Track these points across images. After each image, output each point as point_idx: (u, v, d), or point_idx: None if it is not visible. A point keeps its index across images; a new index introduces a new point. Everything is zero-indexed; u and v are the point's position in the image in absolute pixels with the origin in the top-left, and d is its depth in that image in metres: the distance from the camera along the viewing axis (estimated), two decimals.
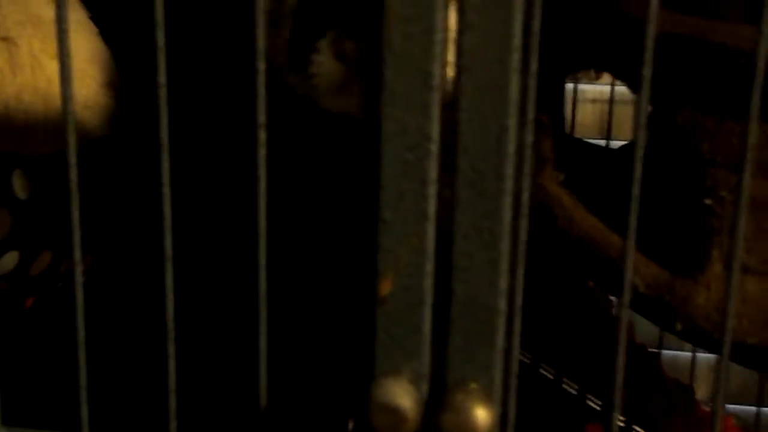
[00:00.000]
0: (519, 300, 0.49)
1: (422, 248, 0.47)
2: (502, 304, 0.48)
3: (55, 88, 0.77)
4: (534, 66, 0.46)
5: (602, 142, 1.22)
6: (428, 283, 0.48)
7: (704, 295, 0.75)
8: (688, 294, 0.76)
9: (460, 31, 0.44)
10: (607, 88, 1.27)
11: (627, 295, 0.50)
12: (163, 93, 0.49)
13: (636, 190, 0.48)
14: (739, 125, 0.74)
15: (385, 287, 0.48)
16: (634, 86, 0.78)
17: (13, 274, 0.64)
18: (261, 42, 0.47)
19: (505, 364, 0.49)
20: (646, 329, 1.16)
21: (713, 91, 0.73)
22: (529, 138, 0.46)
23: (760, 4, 0.50)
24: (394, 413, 0.47)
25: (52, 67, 0.78)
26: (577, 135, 1.20)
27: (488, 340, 0.48)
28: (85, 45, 0.79)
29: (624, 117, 1.28)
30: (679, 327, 0.77)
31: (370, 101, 0.46)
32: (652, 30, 0.45)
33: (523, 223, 0.48)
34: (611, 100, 1.26)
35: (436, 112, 0.45)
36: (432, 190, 0.46)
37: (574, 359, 0.94)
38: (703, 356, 1.35)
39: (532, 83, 0.46)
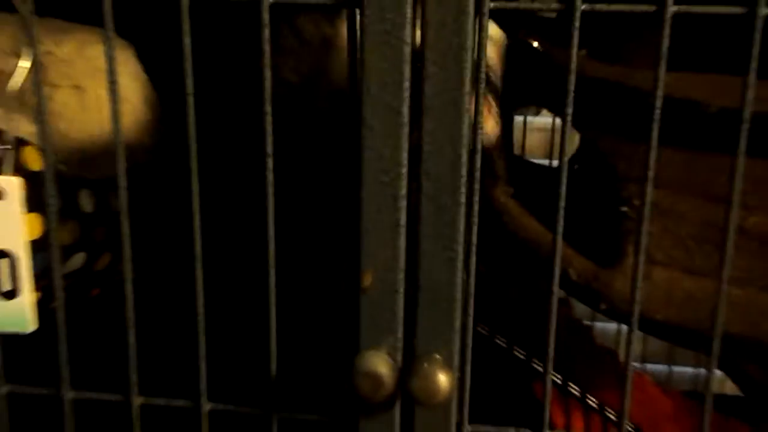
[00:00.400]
0: (472, 289, 0.48)
1: (395, 250, 0.47)
2: (458, 293, 0.47)
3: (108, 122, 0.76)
4: (482, 107, 0.45)
5: (547, 162, 1.21)
6: (400, 276, 0.47)
7: (621, 282, 0.74)
8: (609, 281, 0.75)
9: (423, 80, 0.44)
10: (550, 119, 1.26)
11: (556, 282, 0.48)
12: (192, 131, 0.49)
13: (562, 202, 0.47)
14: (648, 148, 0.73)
15: (367, 280, 0.47)
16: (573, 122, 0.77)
17: (81, 271, 0.63)
18: (268, 85, 0.46)
19: (462, 339, 0.49)
20: (582, 307, 1.15)
21: (628, 123, 0.72)
22: (479, 162, 0.46)
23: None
24: (375, 379, 0.46)
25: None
26: (528, 157, 1.19)
27: (448, 321, 0.48)
28: (138, 90, 0.78)
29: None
30: (603, 307, 0.76)
31: (353, 137, 0.45)
32: (572, 79, 0.45)
33: (474, 229, 0.47)
34: (553, 129, 1.25)
35: (404, 143, 0.45)
36: (402, 204, 0.46)
37: (523, 332, 0.93)
38: (625, 327, 1.34)
39: (482, 121, 0.45)
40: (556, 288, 0.50)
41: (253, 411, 0.52)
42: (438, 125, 0.44)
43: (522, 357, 0.96)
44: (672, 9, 0.44)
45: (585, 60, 0.78)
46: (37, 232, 0.56)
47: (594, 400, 0.95)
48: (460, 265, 0.47)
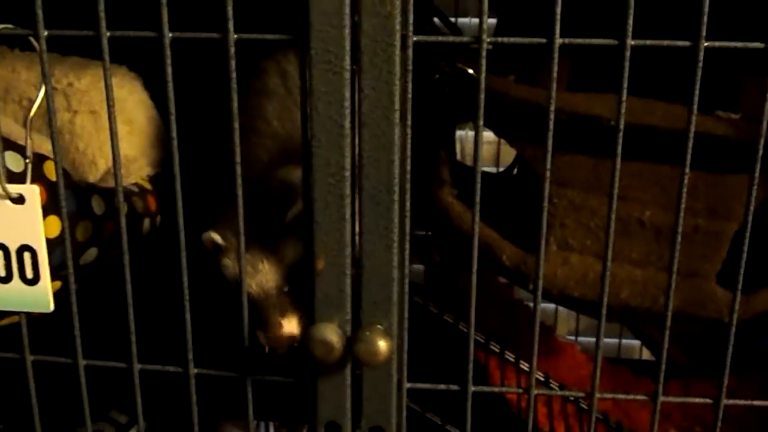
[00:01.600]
0: (406, 270, 0.49)
1: (342, 239, 0.48)
2: (395, 273, 0.48)
3: (124, 143, 0.77)
4: (408, 120, 0.46)
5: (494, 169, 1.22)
6: (347, 261, 0.48)
7: (546, 266, 0.76)
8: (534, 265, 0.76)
9: (360, 100, 0.45)
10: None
11: (474, 266, 0.49)
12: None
13: (477, 198, 0.48)
14: (564, 156, 0.74)
15: (320, 265, 0.48)
16: (498, 133, 0.78)
17: (95, 263, 0.64)
18: (234, 105, 0.47)
19: (399, 311, 0.50)
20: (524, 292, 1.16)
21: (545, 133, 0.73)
22: (408, 166, 0.47)
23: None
24: (327, 345, 0.47)
25: (124, 130, 0.77)
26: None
27: (387, 297, 0.48)
28: (143, 112, 0.78)
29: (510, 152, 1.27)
30: (531, 287, 0.77)
31: (305, 146, 0.46)
32: (481, 101, 0.46)
33: (406, 221, 0.48)
34: (499, 142, 1.26)
35: (347, 151, 0.46)
36: (347, 201, 0.47)
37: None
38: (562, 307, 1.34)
39: (408, 132, 0.46)
40: (474, 267, 0.51)
41: (231, 374, 0.53)
42: (373, 136, 0.45)
43: (465, 330, 0.97)
44: (558, 41, 0.45)
45: (511, 84, 0.80)
46: (55, 231, 0.57)
47: (525, 364, 0.97)
48: (395, 250, 0.48)
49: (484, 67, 0.45)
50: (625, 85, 0.44)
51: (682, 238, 0.75)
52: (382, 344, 0.47)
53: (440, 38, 0.49)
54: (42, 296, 0.53)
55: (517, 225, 0.79)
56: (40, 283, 0.52)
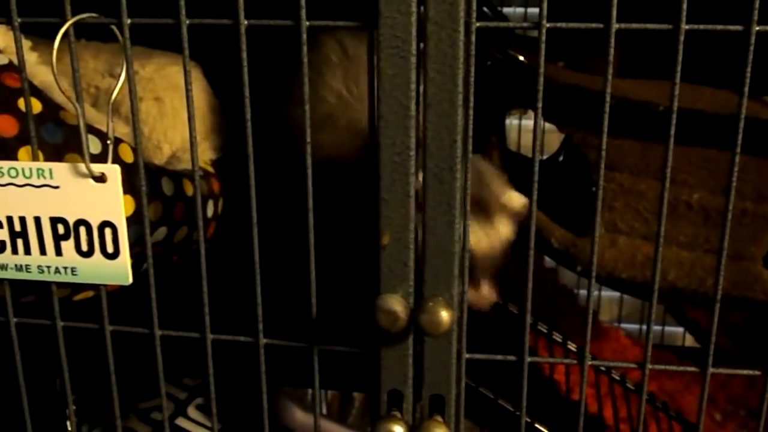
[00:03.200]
0: (467, 244, 0.52)
1: (407, 215, 0.50)
2: (456, 248, 0.51)
3: (187, 128, 0.79)
4: (471, 102, 0.48)
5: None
6: (411, 236, 0.51)
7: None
8: (583, 248, 0.78)
9: (425, 83, 0.48)
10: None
11: (532, 245, 0.52)
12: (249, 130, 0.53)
13: (535, 183, 0.50)
14: (614, 140, 0.76)
15: (385, 239, 0.51)
16: (547, 118, 0.80)
17: (164, 242, 0.67)
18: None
19: (460, 285, 0.52)
20: (569, 277, 1.18)
21: (595, 120, 0.75)
22: (470, 147, 0.49)
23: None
24: (392, 315, 0.50)
25: (185, 114, 0.80)
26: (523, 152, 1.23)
27: (448, 270, 0.51)
28: (205, 100, 0.82)
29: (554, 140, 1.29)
30: (579, 269, 0.79)
31: (371, 127, 0.49)
32: (540, 85, 0.48)
33: (467, 198, 0.50)
34: (543, 130, 1.27)
35: (412, 131, 0.49)
36: (411, 179, 0.50)
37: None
38: (605, 294, 1.36)
39: (471, 113, 0.49)
40: (532, 250, 0.53)
41: (299, 344, 0.56)
42: (437, 117, 0.48)
43: (514, 312, 0.99)
44: (615, 26, 0.47)
45: (561, 70, 0.82)
46: (130, 209, 0.61)
47: (573, 345, 0.99)
48: (457, 226, 0.50)
49: (543, 52, 0.47)
50: (679, 69, 0.46)
51: (731, 221, 0.77)
52: (445, 315, 0.49)
53: (503, 24, 0.51)
54: (122, 270, 0.56)
55: (565, 209, 0.81)
56: (119, 258, 0.56)
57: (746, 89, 0.49)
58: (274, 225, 0.67)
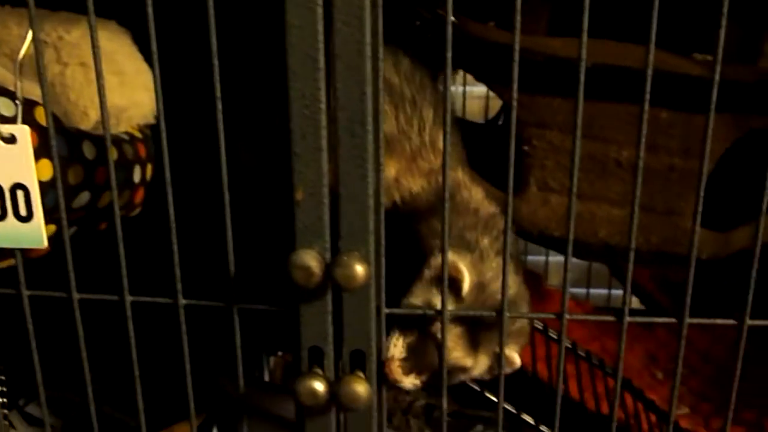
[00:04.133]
0: (381, 199, 0.51)
1: (319, 169, 0.50)
2: (371, 202, 0.51)
3: (114, 94, 0.78)
4: (380, 54, 0.48)
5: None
6: (325, 191, 0.51)
7: (526, 207, 0.78)
8: (517, 207, 0.79)
9: (333, 34, 0.47)
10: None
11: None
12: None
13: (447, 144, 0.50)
14: (544, 99, 0.76)
15: (299, 195, 0.51)
16: (478, 77, 0.80)
17: (88, 207, 0.66)
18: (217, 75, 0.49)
19: (376, 238, 0.52)
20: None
21: (526, 78, 0.75)
22: (381, 99, 0.49)
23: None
24: (306, 270, 0.50)
25: (113, 81, 0.79)
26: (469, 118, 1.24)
27: (364, 225, 0.51)
28: (133, 65, 0.80)
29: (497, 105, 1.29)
30: (513, 228, 0.79)
31: (280, 80, 0.48)
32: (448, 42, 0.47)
33: (381, 152, 0.50)
34: (488, 97, 1.28)
35: (322, 83, 0.48)
36: (323, 132, 0.49)
37: None
38: (553, 259, 1.37)
39: (381, 65, 0.48)
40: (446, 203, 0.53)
41: (218, 304, 0.56)
42: (346, 69, 0.48)
43: None
44: None
45: (492, 29, 0.82)
46: (48, 174, 0.60)
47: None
48: (370, 180, 0.50)
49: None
50: (585, 25, 0.46)
51: (658, 177, 0.78)
52: (359, 269, 0.49)
53: None
54: (36, 233, 0.55)
55: (500, 170, 0.81)
56: (33, 221, 0.55)
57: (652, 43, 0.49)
58: (198, 189, 0.66)
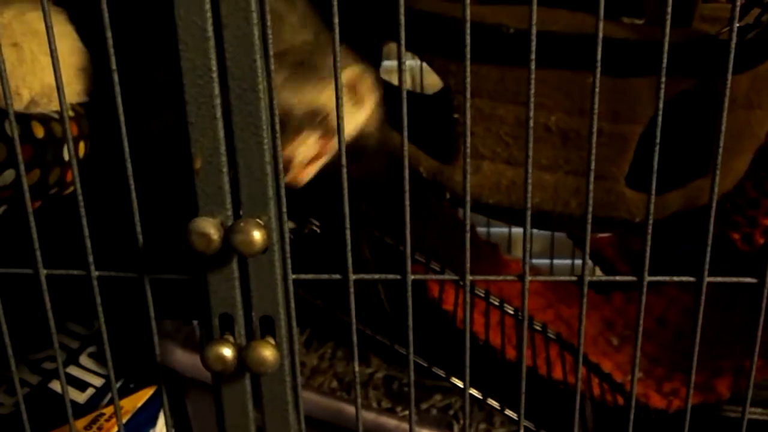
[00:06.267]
0: (280, 164, 0.52)
1: (216, 138, 0.51)
2: (267, 168, 0.52)
3: (46, 73, 0.79)
4: (268, 21, 0.49)
5: None
6: (223, 159, 0.52)
7: (459, 176, 0.79)
8: (450, 175, 0.79)
9: (219, 3, 0.48)
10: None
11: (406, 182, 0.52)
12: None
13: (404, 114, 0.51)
14: (472, 66, 0.77)
15: (197, 163, 0.52)
16: (408, 47, 0.80)
17: (14, 185, 0.67)
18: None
19: (277, 204, 0.53)
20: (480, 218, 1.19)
21: (452, 47, 0.76)
22: (271, 66, 0.50)
23: None
24: (205, 237, 0.51)
25: (45, 60, 0.80)
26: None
27: (262, 192, 0.52)
28: (67, 45, 0.81)
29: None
30: (447, 196, 0.81)
31: (173, 54, 0.49)
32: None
33: (276, 118, 0.51)
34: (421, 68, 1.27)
35: (212, 53, 0.49)
36: (217, 101, 0.50)
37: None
38: (515, 231, 1.38)
39: (268, 32, 0.49)
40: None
41: (129, 275, 0.57)
42: (234, 37, 0.49)
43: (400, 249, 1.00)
44: None
45: None
46: None
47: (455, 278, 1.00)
48: (266, 147, 0.51)
49: None
50: None
51: (587, 141, 0.78)
52: (257, 234, 0.50)
53: None
54: None
55: (434, 139, 0.82)
56: None
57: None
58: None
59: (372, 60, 0.87)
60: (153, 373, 0.87)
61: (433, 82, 1.35)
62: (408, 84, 1.39)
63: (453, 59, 0.77)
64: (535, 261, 1.37)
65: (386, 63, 1.04)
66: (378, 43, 0.89)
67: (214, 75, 0.50)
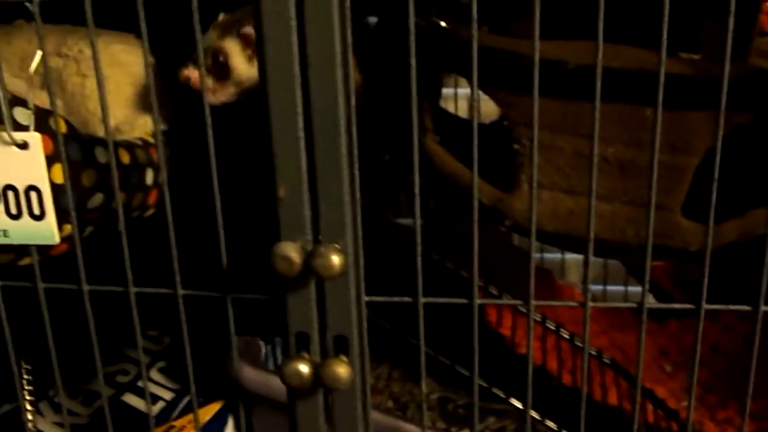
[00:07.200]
0: (357, 193, 0.56)
1: (299, 168, 0.55)
2: (346, 197, 0.55)
3: (130, 102, 0.84)
4: (349, 62, 0.53)
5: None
6: (305, 189, 0.56)
7: (519, 203, 0.82)
8: (510, 203, 0.82)
9: (306, 44, 0.52)
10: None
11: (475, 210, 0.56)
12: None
13: (474, 148, 0.55)
14: (532, 99, 0.80)
15: (281, 192, 0.56)
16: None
17: (102, 208, 0.72)
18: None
19: (353, 231, 0.57)
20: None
21: (515, 80, 0.79)
22: (352, 102, 0.54)
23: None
24: (287, 260, 0.55)
25: (129, 90, 0.85)
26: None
27: (340, 219, 0.56)
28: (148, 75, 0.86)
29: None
30: (508, 223, 0.84)
31: (262, 88, 0.53)
32: (475, 49, 0.52)
33: (354, 150, 0.55)
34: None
35: (297, 91, 0.53)
36: (301, 134, 0.54)
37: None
38: (569, 257, 1.40)
39: (350, 72, 0.53)
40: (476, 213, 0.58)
41: (213, 294, 0.61)
42: (319, 77, 0.53)
43: (466, 276, 1.04)
44: None
45: (485, 35, 0.86)
46: (61, 177, 0.66)
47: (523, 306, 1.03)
48: (345, 177, 0.55)
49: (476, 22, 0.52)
50: (601, 29, 0.51)
51: (645, 172, 0.81)
52: (336, 259, 0.54)
53: None
54: (48, 230, 0.61)
55: (496, 167, 0.85)
56: (45, 219, 0.61)
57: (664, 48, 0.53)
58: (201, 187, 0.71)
59: (432, 90, 0.91)
60: (221, 388, 0.91)
61: (489, 110, 1.40)
62: (464, 111, 1.44)
63: (515, 92, 0.80)
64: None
65: (444, 90, 1.08)
66: (438, 74, 0.93)
67: (299, 110, 0.54)
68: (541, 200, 0.82)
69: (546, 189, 0.81)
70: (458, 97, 1.34)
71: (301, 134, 0.54)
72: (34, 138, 0.59)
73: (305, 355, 0.59)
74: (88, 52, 0.85)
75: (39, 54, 0.59)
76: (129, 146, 0.77)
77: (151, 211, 0.81)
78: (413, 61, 0.56)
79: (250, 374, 0.90)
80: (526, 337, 1.02)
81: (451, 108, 1.35)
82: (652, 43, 0.63)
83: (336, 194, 0.55)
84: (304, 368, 0.58)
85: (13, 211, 0.61)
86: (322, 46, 0.52)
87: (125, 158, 0.75)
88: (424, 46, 0.85)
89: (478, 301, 0.59)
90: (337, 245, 0.56)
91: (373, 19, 0.90)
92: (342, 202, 0.55)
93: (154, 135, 0.83)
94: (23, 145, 0.59)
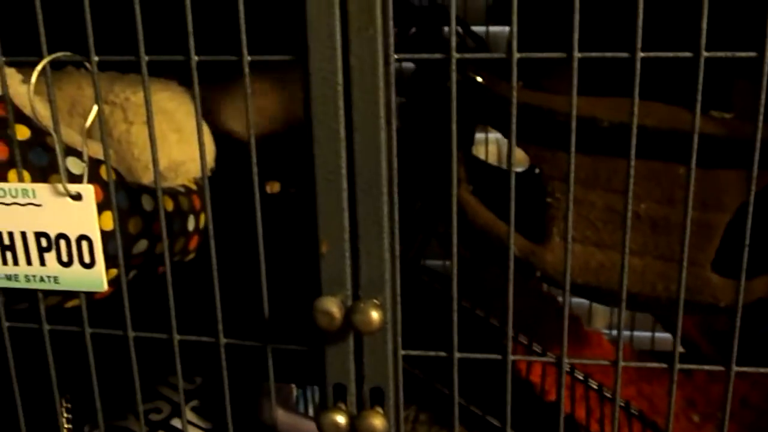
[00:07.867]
0: (397, 251, 0.58)
1: (341, 226, 0.57)
2: (385, 255, 0.57)
3: (174, 150, 0.87)
4: (392, 125, 0.55)
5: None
6: (347, 246, 0.58)
7: (550, 255, 0.83)
8: (541, 255, 0.84)
9: (352, 109, 0.54)
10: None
11: (511, 261, 0.58)
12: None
13: (512, 200, 0.57)
14: (566, 155, 0.82)
15: (324, 248, 0.58)
16: (506, 134, 0.86)
17: (146, 253, 0.74)
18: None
19: (392, 288, 0.59)
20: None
21: (548, 136, 0.81)
22: (395, 163, 0.56)
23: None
24: (328, 315, 0.56)
25: (173, 138, 0.87)
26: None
27: (380, 276, 0.58)
28: (192, 123, 0.88)
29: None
30: (538, 275, 0.85)
31: (307, 148, 0.55)
32: (514, 104, 0.54)
33: (395, 209, 0.57)
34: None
35: (342, 152, 0.55)
36: (344, 194, 0.56)
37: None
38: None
39: (393, 134, 0.55)
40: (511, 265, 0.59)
41: (254, 343, 0.63)
42: (363, 138, 0.55)
43: (496, 324, 1.05)
44: (577, 55, 0.53)
45: (520, 90, 0.88)
46: (110, 224, 0.68)
47: (552, 355, 1.04)
48: (385, 236, 0.57)
49: (515, 80, 0.54)
50: (636, 91, 0.53)
51: (677, 229, 0.82)
52: (375, 315, 0.56)
53: (460, 55, 0.57)
54: (97, 278, 0.64)
55: (528, 219, 0.87)
56: (95, 267, 0.63)
57: (698, 108, 0.55)
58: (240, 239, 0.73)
59: (466, 140, 0.93)
60: (254, 429, 0.93)
61: (519, 157, 1.41)
62: (494, 155, 1.46)
63: (548, 147, 0.82)
64: (615, 333, 1.39)
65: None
66: (472, 126, 0.95)
67: (343, 171, 0.56)
68: (572, 253, 0.83)
69: (577, 242, 0.83)
70: (488, 141, 1.36)
71: (345, 194, 0.56)
72: (87, 190, 0.62)
73: (342, 406, 0.61)
74: (134, 99, 0.88)
75: (95, 109, 0.61)
76: (173, 193, 0.80)
77: (191, 256, 0.84)
78: (454, 116, 0.57)
79: (283, 418, 0.91)
80: (555, 385, 1.02)
81: (481, 152, 1.37)
82: (684, 101, 0.65)
83: (376, 252, 0.57)
84: (341, 419, 0.59)
85: (65, 258, 0.63)
86: (367, 109, 0.54)
87: (169, 205, 0.77)
88: (460, 99, 0.87)
89: (511, 357, 0.60)
90: (376, 301, 0.57)
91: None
92: (382, 260, 0.57)
93: (196, 182, 0.85)
94: (77, 197, 0.62)
